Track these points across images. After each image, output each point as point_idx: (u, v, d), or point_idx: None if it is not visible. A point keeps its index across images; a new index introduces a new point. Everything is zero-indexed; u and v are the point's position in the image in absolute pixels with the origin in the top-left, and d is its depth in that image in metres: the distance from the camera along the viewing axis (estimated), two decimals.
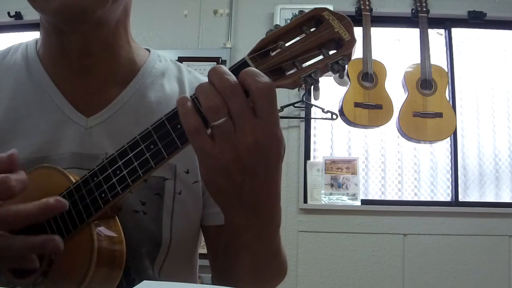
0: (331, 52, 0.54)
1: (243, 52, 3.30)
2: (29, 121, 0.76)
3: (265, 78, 0.53)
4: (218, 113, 0.53)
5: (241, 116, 0.53)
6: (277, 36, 0.56)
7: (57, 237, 0.57)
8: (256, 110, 0.53)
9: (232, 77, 0.53)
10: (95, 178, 0.59)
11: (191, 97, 0.55)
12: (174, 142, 0.56)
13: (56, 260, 0.60)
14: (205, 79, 0.55)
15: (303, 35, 0.56)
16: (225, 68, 0.54)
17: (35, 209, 0.56)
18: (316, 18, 0.56)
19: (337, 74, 0.62)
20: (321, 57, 0.54)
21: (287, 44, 0.56)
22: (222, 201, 0.61)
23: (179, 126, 0.56)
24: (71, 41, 0.75)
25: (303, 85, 0.54)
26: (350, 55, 0.53)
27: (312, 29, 0.56)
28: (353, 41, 0.54)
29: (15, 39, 3.39)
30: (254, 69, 0.54)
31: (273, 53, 0.56)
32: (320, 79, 0.54)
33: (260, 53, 0.56)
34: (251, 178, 0.56)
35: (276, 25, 0.56)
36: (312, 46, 0.55)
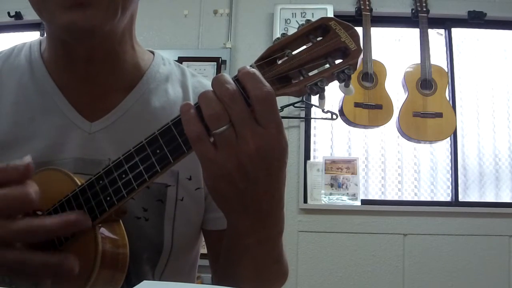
0: (337, 61, 0.55)
1: (243, 52, 3.30)
2: (32, 125, 0.76)
3: (264, 87, 0.53)
4: (219, 121, 0.53)
5: (241, 123, 0.53)
6: (284, 44, 0.57)
7: (72, 258, 0.57)
8: (256, 118, 0.54)
9: (232, 86, 0.54)
10: (101, 181, 0.59)
11: (195, 104, 0.56)
12: (180, 147, 0.56)
13: None
14: (209, 83, 0.56)
15: (310, 44, 0.56)
16: (226, 77, 0.55)
17: (58, 223, 0.56)
18: (322, 27, 0.56)
19: (343, 83, 0.62)
20: (327, 66, 0.55)
21: (294, 53, 0.56)
22: (225, 206, 0.62)
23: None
24: (76, 50, 0.74)
25: (309, 93, 0.55)
26: (356, 64, 0.54)
27: (319, 38, 0.56)
28: (359, 50, 0.54)
29: (15, 39, 3.39)
30: (254, 72, 0.54)
31: (280, 61, 0.56)
32: (326, 87, 0.55)
33: (267, 60, 0.56)
34: (254, 185, 0.56)
35: (283, 33, 0.57)
36: (318, 55, 0.55)
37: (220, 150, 0.54)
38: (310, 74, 0.55)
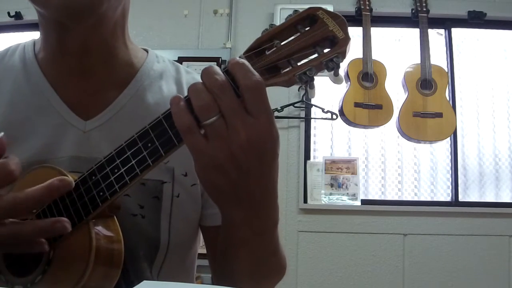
0: (325, 50, 0.55)
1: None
2: (27, 124, 0.76)
3: (253, 76, 0.53)
4: (209, 112, 0.53)
5: (231, 114, 0.53)
6: (272, 35, 0.57)
7: (65, 219, 0.58)
8: (247, 108, 0.54)
9: (221, 76, 0.54)
10: (93, 177, 0.59)
11: (185, 97, 0.56)
12: (171, 140, 0.56)
13: (54, 259, 0.60)
14: None
15: (298, 34, 0.56)
16: (216, 68, 0.55)
17: (42, 191, 0.57)
18: (310, 17, 0.56)
19: (332, 72, 0.62)
20: (316, 55, 0.55)
21: (282, 43, 0.56)
22: (218, 198, 0.62)
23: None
24: (70, 39, 0.74)
25: (298, 83, 0.55)
26: (344, 52, 0.54)
27: (307, 28, 0.56)
28: (347, 39, 0.54)
29: (15, 39, 3.39)
30: (243, 62, 0.54)
31: (269, 52, 0.56)
32: (316, 78, 0.55)
33: (255, 51, 0.56)
34: (246, 175, 0.56)
35: (271, 24, 0.57)
36: (306, 45, 0.55)
37: (211, 141, 0.54)
38: (299, 63, 0.55)
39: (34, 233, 0.57)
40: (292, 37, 0.56)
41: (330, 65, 0.54)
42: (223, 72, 0.55)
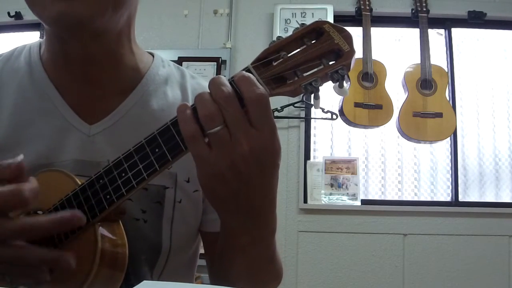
0: (331, 62, 0.57)
1: (243, 52, 3.30)
2: (32, 127, 0.76)
3: (258, 88, 0.55)
4: (214, 121, 0.55)
5: (235, 125, 0.55)
6: (279, 46, 0.58)
7: (70, 254, 0.58)
8: (250, 120, 0.55)
9: (227, 88, 0.55)
10: (101, 180, 0.61)
11: (191, 105, 0.57)
12: (178, 145, 0.58)
13: None
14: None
15: (304, 46, 0.58)
16: (223, 79, 0.56)
17: (52, 222, 0.57)
18: (317, 30, 0.58)
19: (337, 84, 0.66)
20: (321, 67, 0.57)
21: (289, 55, 0.58)
22: (218, 205, 0.63)
23: None
24: (72, 49, 0.74)
25: (304, 93, 0.57)
26: (349, 65, 0.56)
27: (313, 41, 0.58)
28: (352, 52, 0.56)
29: (15, 39, 3.39)
30: (249, 76, 0.56)
31: (276, 63, 0.58)
32: (320, 87, 0.57)
33: (263, 62, 0.58)
34: (246, 185, 0.58)
35: (279, 36, 0.59)
36: (312, 57, 0.57)
37: (214, 150, 0.56)
38: (305, 74, 0.57)
39: (38, 261, 0.57)
40: (299, 49, 0.58)
41: (335, 77, 0.56)
42: (230, 83, 0.56)
